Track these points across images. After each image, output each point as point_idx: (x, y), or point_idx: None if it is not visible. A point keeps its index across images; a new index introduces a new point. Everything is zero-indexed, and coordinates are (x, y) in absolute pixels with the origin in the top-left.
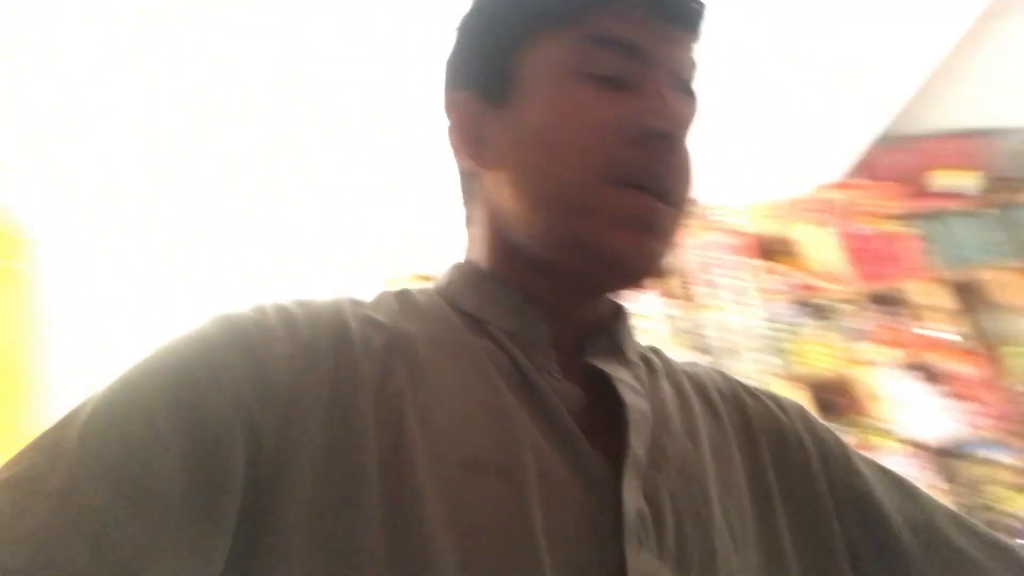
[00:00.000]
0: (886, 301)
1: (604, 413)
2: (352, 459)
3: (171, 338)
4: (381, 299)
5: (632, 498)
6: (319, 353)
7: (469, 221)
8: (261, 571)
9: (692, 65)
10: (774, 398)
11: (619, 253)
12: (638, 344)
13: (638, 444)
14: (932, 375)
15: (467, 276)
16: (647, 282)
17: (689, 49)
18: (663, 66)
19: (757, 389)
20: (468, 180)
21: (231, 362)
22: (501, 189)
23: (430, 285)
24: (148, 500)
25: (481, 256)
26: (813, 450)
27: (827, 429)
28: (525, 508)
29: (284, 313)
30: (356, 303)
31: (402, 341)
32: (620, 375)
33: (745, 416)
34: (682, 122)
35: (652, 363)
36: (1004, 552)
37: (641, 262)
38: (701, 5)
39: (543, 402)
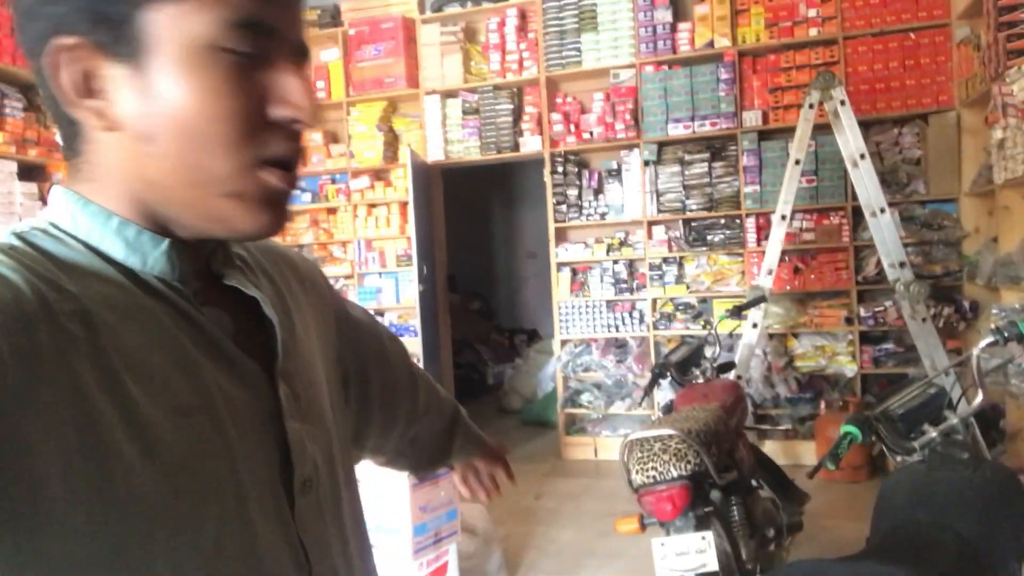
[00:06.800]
0: None
1: (246, 317)
2: (89, 420)
3: None
4: (27, 254)
5: (283, 389)
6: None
7: (83, 161)
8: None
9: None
10: (296, 252)
11: (259, 229)
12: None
13: (280, 346)
14: None
15: (103, 221)
16: (276, 234)
17: (303, 14)
18: (288, 39)
19: (286, 247)
20: (74, 125)
21: None
22: (135, 155)
23: (44, 224)
24: None
25: (112, 203)
26: (324, 285)
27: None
28: (222, 427)
29: None
30: (30, 266)
31: (91, 309)
32: (255, 292)
33: (295, 269)
34: (309, 104)
35: (245, 259)
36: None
37: (273, 232)
38: None
39: (208, 338)
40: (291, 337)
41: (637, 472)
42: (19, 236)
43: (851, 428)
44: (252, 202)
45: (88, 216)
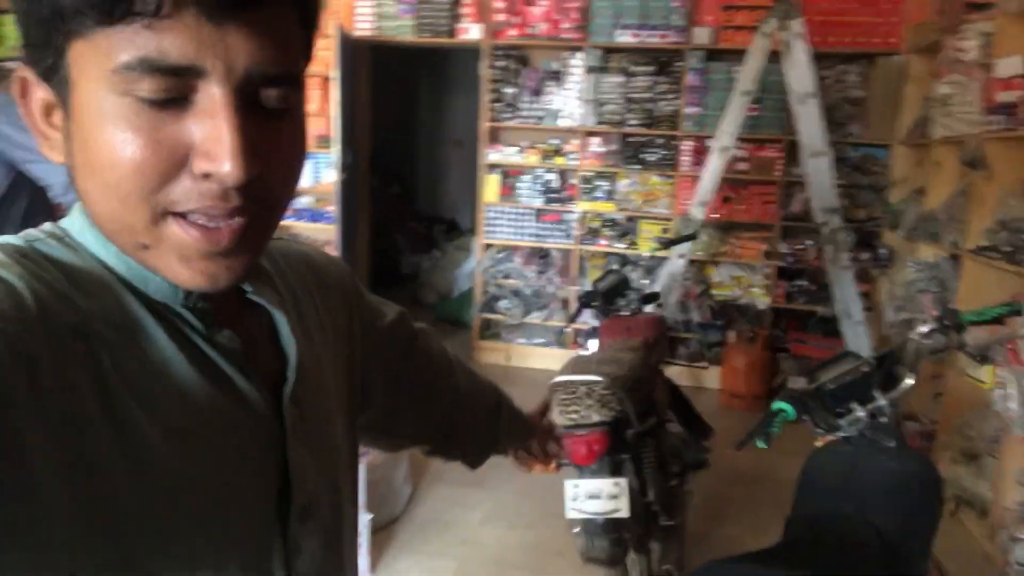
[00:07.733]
0: None
1: (262, 327)
2: (82, 434)
3: None
4: (36, 262)
5: (291, 413)
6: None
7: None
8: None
9: (275, 39)
10: (323, 256)
11: (187, 282)
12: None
13: (291, 372)
14: None
15: (104, 245)
16: (232, 285)
17: (269, 22)
18: (225, 74)
19: (315, 250)
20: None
21: None
22: (80, 192)
23: (61, 232)
24: None
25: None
26: (350, 285)
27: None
28: (217, 452)
29: None
30: (36, 275)
31: (93, 325)
32: (279, 314)
33: (317, 272)
34: (228, 155)
35: (268, 269)
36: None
37: (212, 283)
38: None
39: (213, 362)
40: (308, 355)
41: (559, 413)
42: (30, 243)
43: (784, 405)
44: (165, 256)
45: (93, 237)
